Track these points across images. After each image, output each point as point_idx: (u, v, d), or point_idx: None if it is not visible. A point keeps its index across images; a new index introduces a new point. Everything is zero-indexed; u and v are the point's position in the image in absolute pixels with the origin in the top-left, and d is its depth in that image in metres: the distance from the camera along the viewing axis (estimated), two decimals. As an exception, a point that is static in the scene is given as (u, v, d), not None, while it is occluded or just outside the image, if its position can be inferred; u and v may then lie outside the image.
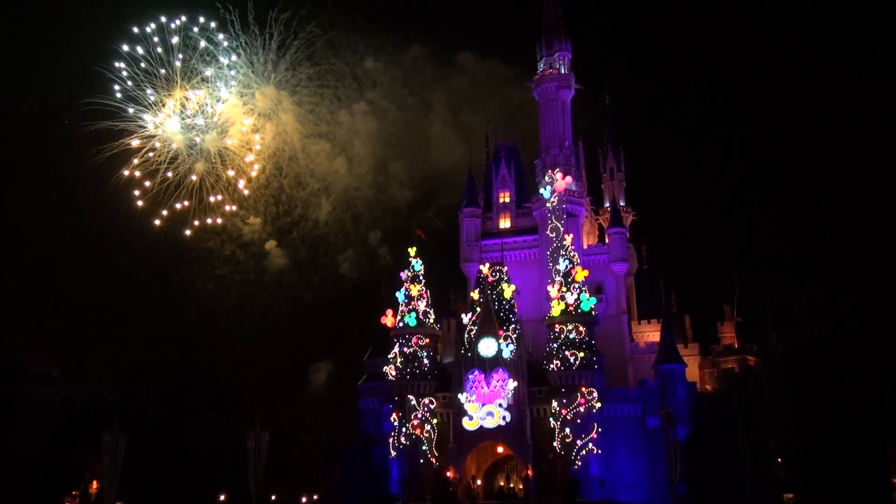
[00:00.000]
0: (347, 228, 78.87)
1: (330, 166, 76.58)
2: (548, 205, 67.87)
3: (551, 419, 59.07)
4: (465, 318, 63.33)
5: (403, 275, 64.02)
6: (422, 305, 63.02)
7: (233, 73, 58.17)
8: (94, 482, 68.89)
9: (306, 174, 74.51)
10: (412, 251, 64.39)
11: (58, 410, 67.22)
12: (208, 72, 56.31)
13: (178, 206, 59.10)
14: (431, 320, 63.57)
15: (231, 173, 59.32)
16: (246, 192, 61.83)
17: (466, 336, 62.14)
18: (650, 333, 72.34)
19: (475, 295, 64.14)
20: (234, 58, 57.74)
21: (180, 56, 54.83)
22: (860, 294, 57.32)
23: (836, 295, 56.34)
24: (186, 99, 55.77)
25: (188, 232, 59.45)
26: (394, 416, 61.88)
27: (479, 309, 62.67)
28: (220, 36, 56.81)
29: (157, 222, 57.88)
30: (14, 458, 62.37)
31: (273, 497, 69.21)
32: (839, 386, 53.19)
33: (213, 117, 57.14)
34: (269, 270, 77.91)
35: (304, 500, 71.19)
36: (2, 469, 61.55)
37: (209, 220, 60.31)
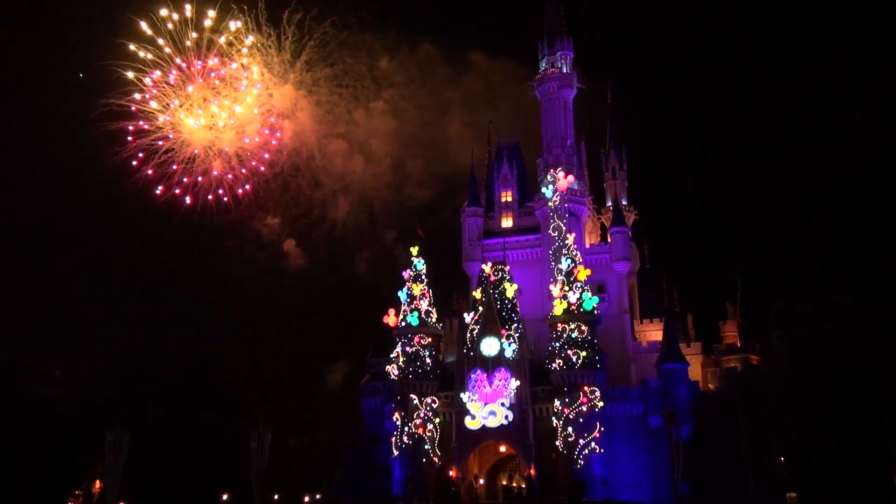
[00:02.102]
0: (364, 228, 79.17)
1: (347, 166, 77.01)
2: (550, 204, 67.80)
3: (554, 418, 59.02)
4: (468, 318, 63.30)
5: (406, 274, 64.06)
6: (424, 305, 62.98)
7: (250, 72, 58.26)
8: (97, 481, 69.09)
9: (324, 174, 74.88)
10: (414, 250, 64.42)
11: (60, 410, 67.35)
12: (226, 71, 56.44)
13: (195, 206, 59.37)
14: (434, 319, 63.52)
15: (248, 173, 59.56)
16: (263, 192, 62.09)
17: (469, 335, 62.09)
18: (653, 332, 72.27)
19: (477, 294, 64.11)
20: (251, 58, 57.86)
21: (197, 55, 54.97)
22: (863, 293, 57.25)
23: (840, 294, 56.27)
24: (204, 99, 55.89)
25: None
26: (396, 415, 61.86)
27: (481, 308, 62.61)
28: (237, 35, 56.95)
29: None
30: (17, 458, 62.49)
31: (275, 497, 69.27)
32: (842, 385, 53.12)
33: (231, 118, 57.23)
34: (287, 270, 78.29)
35: (306, 499, 71.25)
36: (5, 469, 61.68)
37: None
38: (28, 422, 63.70)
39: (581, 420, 57.97)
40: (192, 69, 54.98)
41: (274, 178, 66.94)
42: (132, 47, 54.82)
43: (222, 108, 56.79)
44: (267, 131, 62.33)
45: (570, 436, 57.76)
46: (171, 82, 55.38)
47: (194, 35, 55.25)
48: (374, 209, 79.59)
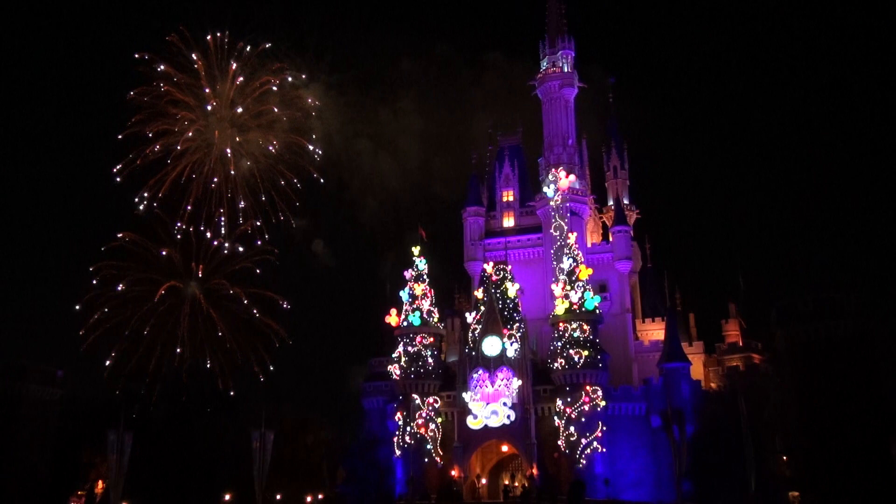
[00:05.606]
0: (389, 228, 79.40)
1: (373, 166, 77.34)
2: (551, 203, 67.83)
3: (556, 418, 59.03)
4: (470, 317, 63.37)
5: (408, 274, 64.06)
6: (426, 304, 63.04)
7: (276, 75, 58.38)
8: (100, 482, 69.07)
9: (351, 174, 75.19)
10: (416, 250, 64.39)
11: (63, 410, 67.35)
12: (252, 73, 56.53)
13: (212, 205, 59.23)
14: (436, 319, 63.57)
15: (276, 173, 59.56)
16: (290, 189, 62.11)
17: (470, 335, 62.17)
18: (654, 332, 72.24)
19: (479, 294, 64.17)
20: (277, 64, 57.97)
21: (219, 58, 55.03)
22: (866, 291, 57.17)
23: (842, 292, 56.16)
24: (233, 101, 55.98)
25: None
26: (398, 415, 61.93)
27: (483, 308, 62.67)
28: (261, 38, 57.07)
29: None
30: (19, 458, 62.46)
31: (278, 496, 69.28)
32: (845, 384, 53.05)
33: (257, 119, 57.37)
34: (314, 270, 78.49)
35: (308, 499, 71.28)
36: (7, 469, 61.68)
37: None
38: (30, 422, 63.66)
39: (583, 419, 58.02)
40: (217, 70, 55.11)
41: (300, 178, 67.22)
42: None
43: (248, 111, 56.99)
44: (295, 131, 62.60)
45: (572, 435, 57.79)
46: (197, 83, 55.45)
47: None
48: (400, 210, 79.98)
